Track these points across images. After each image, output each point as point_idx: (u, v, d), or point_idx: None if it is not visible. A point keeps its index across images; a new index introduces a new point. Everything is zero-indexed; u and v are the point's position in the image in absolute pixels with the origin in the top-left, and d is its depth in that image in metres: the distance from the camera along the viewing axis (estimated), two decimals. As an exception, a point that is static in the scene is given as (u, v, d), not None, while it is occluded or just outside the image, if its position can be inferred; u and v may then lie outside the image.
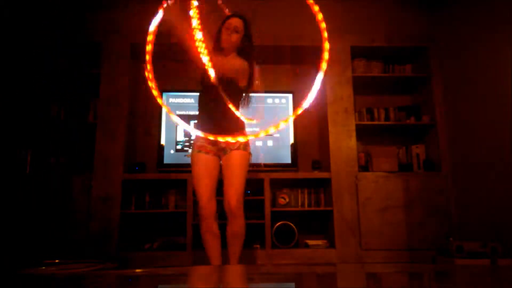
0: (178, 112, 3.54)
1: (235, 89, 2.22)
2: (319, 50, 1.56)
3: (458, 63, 3.34)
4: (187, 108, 3.56)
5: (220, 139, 1.88)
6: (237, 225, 2.22)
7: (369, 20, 3.66)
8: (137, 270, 2.03)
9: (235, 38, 2.23)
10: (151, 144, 3.61)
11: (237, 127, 2.22)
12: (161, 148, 3.46)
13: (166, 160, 3.44)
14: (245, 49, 2.29)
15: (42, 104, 3.44)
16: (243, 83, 2.24)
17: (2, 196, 3.05)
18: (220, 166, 2.31)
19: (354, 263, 3.14)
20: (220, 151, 2.27)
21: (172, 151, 3.48)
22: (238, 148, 2.23)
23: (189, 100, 3.58)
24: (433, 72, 3.54)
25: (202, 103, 2.29)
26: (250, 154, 2.29)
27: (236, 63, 2.22)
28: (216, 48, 2.29)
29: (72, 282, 1.44)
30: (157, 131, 3.53)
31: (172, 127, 3.52)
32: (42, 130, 3.46)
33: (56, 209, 3.11)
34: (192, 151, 2.30)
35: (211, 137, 1.87)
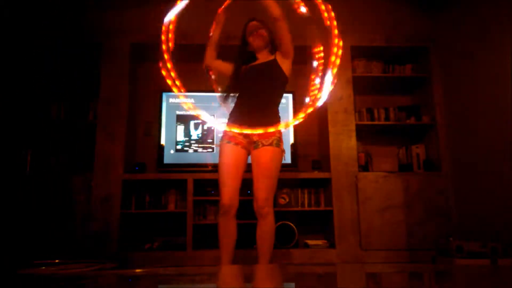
0: (178, 112, 3.54)
1: (278, 78, 2.29)
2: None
3: (458, 63, 3.33)
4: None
5: (247, 131, 2.00)
6: (266, 224, 2.17)
7: (369, 20, 3.66)
8: (137, 270, 2.03)
9: (263, 32, 2.33)
10: (151, 144, 3.61)
11: (271, 121, 2.20)
12: (161, 148, 3.46)
13: (166, 160, 3.44)
14: (273, 43, 2.39)
15: (42, 104, 3.44)
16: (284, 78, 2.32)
17: (2, 196, 3.05)
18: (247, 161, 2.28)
19: (354, 263, 3.13)
20: (251, 144, 2.23)
21: (172, 151, 3.48)
22: (271, 144, 2.19)
23: (189, 100, 3.58)
24: (433, 72, 3.53)
25: (239, 95, 2.29)
26: (283, 151, 2.24)
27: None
28: (244, 55, 2.37)
29: (72, 282, 1.44)
30: (157, 131, 3.53)
31: (172, 127, 3.52)
32: (42, 130, 3.46)
33: (56, 209, 3.11)
34: (221, 141, 2.26)
35: (236, 130, 2.03)
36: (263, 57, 2.37)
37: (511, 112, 2.69)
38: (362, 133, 3.58)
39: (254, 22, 2.35)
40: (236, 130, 2.12)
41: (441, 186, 3.32)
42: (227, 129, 2.20)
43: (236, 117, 2.24)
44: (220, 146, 2.25)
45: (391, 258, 3.18)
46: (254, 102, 2.23)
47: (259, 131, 2.04)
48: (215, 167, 3.31)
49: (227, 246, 2.20)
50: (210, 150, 3.49)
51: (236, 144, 2.21)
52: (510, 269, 2.19)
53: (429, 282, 1.48)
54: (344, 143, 3.39)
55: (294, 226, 3.27)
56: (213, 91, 3.51)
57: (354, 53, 3.55)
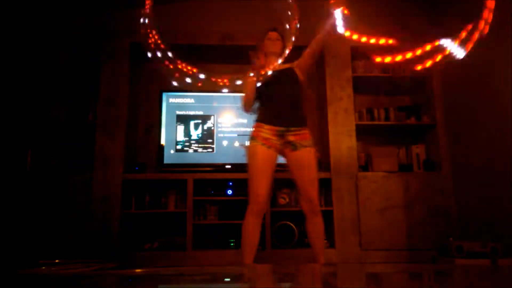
0: (178, 112, 3.54)
1: (299, 84, 2.41)
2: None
3: (458, 63, 3.33)
4: (187, 108, 3.56)
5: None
6: (320, 222, 2.32)
7: (369, 20, 3.65)
8: (137, 270, 2.02)
9: (278, 44, 2.46)
10: (151, 144, 3.61)
11: (303, 121, 2.34)
12: (161, 148, 3.46)
13: (166, 160, 3.44)
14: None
15: (42, 104, 3.44)
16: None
17: (2, 196, 3.05)
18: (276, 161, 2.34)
19: (354, 263, 3.13)
20: (286, 145, 2.30)
21: (172, 151, 3.48)
22: (310, 145, 2.31)
23: (189, 100, 3.58)
24: (433, 72, 3.53)
25: (267, 97, 2.36)
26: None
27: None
28: (259, 58, 2.43)
29: (72, 282, 1.44)
30: (157, 131, 3.53)
31: (172, 127, 3.52)
32: (42, 130, 3.46)
33: (56, 209, 3.11)
34: (254, 142, 2.29)
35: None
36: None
37: (511, 112, 2.69)
38: (362, 133, 3.58)
39: (275, 34, 2.48)
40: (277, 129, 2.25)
41: (441, 186, 3.32)
42: (264, 129, 2.29)
43: (271, 118, 2.31)
44: (254, 147, 2.29)
45: (391, 258, 3.18)
46: (285, 103, 2.34)
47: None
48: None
49: (254, 245, 2.26)
50: (210, 150, 3.49)
51: (270, 146, 2.28)
52: (510, 269, 2.19)
53: (429, 282, 1.48)
54: (344, 143, 3.39)
55: (294, 226, 3.27)
56: (214, 91, 3.55)
57: (354, 53, 3.55)
